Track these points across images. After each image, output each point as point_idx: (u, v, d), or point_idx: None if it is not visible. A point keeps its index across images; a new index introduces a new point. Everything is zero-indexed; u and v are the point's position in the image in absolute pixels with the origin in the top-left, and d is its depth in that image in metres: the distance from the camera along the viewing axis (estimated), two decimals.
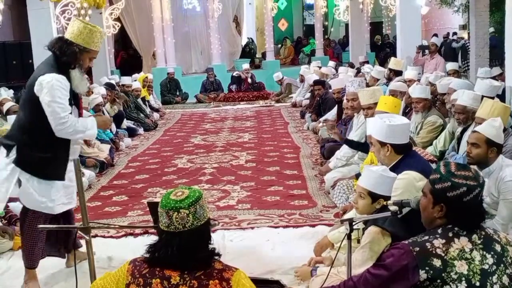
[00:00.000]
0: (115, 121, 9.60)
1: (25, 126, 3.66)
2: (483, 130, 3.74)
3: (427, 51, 11.08)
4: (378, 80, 9.48)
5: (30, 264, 3.71)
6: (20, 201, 3.68)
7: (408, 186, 3.06)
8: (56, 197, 3.62)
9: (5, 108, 7.58)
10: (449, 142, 5.50)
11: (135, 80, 12.29)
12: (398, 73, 9.16)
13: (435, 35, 15.47)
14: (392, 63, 9.30)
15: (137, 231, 4.84)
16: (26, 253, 3.69)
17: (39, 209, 3.60)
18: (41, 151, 3.59)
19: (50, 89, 3.51)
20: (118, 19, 15.94)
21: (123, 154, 8.60)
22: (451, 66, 9.46)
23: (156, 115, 12.26)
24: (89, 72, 15.41)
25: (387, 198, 3.07)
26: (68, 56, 3.66)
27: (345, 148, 6.01)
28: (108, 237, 4.83)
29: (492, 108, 4.36)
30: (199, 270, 2.12)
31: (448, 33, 17.10)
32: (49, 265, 4.18)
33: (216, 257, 2.20)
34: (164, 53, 16.61)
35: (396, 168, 3.44)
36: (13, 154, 3.57)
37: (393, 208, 2.70)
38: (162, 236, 2.15)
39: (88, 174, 6.66)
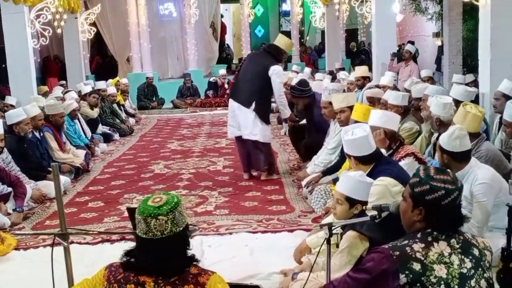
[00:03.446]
0: (90, 126, 9.54)
1: None
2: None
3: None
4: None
5: None
6: None
7: (383, 192, 3.09)
8: None
9: None
10: (425, 148, 5.57)
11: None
12: (367, 78, 9.42)
13: (410, 42, 15.68)
14: (359, 71, 9.50)
15: (114, 237, 4.79)
16: None
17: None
18: None
19: None
20: (93, 24, 15.84)
21: (98, 160, 8.51)
22: (425, 73, 9.60)
23: (132, 121, 12.18)
24: (64, 77, 15.33)
25: (365, 203, 3.10)
26: None
27: (322, 154, 6.05)
28: (84, 243, 4.76)
29: (465, 116, 4.42)
30: (174, 276, 2.10)
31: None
32: (24, 272, 4.13)
33: (194, 263, 2.18)
34: (140, 58, 16.54)
35: (370, 176, 3.47)
36: None
37: (372, 213, 2.73)
38: (140, 242, 2.13)
39: (64, 180, 6.55)
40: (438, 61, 15.20)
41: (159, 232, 2.07)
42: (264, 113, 6.63)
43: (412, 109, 6.57)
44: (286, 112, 6.93)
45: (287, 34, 22.21)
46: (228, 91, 6.91)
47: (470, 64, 11.79)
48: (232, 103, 6.72)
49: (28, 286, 3.89)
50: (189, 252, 2.18)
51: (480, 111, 4.51)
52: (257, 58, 6.80)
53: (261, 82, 6.43)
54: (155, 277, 2.09)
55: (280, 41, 6.74)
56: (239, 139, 6.74)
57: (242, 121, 6.56)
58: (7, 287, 3.94)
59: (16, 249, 4.67)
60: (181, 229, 2.12)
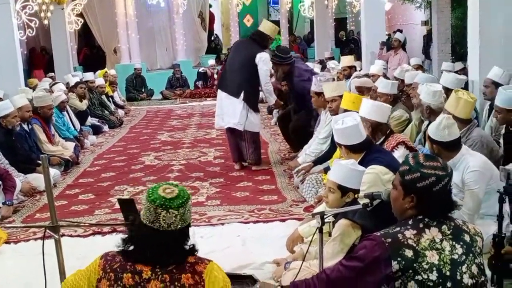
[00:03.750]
0: (79, 118, 9.47)
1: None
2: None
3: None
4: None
5: None
6: None
7: (375, 180, 3.10)
8: None
9: None
10: (415, 135, 5.58)
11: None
12: (353, 67, 9.46)
13: (399, 30, 15.68)
14: (344, 61, 9.54)
15: (105, 229, 4.78)
16: None
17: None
18: None
19: None
20: (80, 15, 15.68)
21: (88, 152, 8.47)
22: (414, 61, 9.62)
23: (121, 112, 12.12)
24: (51, 68, 15.19)
25: (357, 191, 3.11)
26: None
27: (314, 144, 6.06)
28: (75, 236, 4.74)
29: (457, 102, 4.44)
30: (172, 265, 2.10)
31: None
32: (15, 266, 4.11)
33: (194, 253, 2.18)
34: (129, 49, 16.43)
35: (361, 165, 3.48)
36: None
37: (363, 201, 2.73)
38: (143, 230, 2.09)
39: (53, 172, 6.51)
40: (425, 49, 15.23)
41: (166, 224, 2.06)
42: (253, 101, 6.64)
43: (404, 96, 6.59)
44: (272, 99, 6.92)
45: (276, 23, 22.17)
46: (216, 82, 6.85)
47: (459, 52, 11.83)
48: (220, 93, 6.71)
49: (20, 279, 3.86)
50: (188, 245, 2.17)
51: (471, 97, 4.52)
52: (243, 46, 6.77)
53: (248, 70, 6.43)
54: (152, 266, 2.09)
55: (264, 27, 6.70)
56: (229, 129, 6.72)
57: (230, 111, 6.55)
58: None
59: (6, 242, 4.64)
60: (186, 225, 2.12)
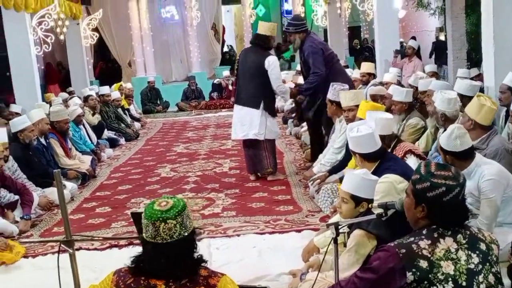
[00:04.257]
0: (95, 131, 9.56)
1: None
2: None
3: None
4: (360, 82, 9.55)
5: None
6: None
7: (388, 189, 3.08)
8: None
9: None
10: (431, 143, 5.54)
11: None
12: (373, 75, 9.33)
13: (413, 37, 15.62)
14: (364, 67, 9.44)
15: (122, 242, 4.79)
16: None
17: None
18: None
19: None
20: (96, 30, 15.87)
21: (105, 165, 8.53)
22: (429, 68, 9.56)
23: (137, 125, 12.20)
24: (67, 83, 15.37)
25: (370, 201, 3.09)
26: None
27: (329, 153, 6.03)
28: (92, 249, 4.77)
29: (480, 108, 4.34)
30: (185, 278, 2.10)
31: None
32: (33, 280, 4.15)
33: (203, 264, 2.18)
34: (144, 62, 16.58)
35: (376, 174, 3.45)
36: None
37: (378, 210, 2.71)
38: (148, 247, 2.12)
39: (70, 186, 6.58)
40: (435, 55, 15.15)
41: (168, 236, 2.07)
42: (272, 107, 6.70)
43: (418, 103, 6.55)
44: (287, 97, 6.96)
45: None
46: (232, 93, 6.83)
47: (474, 58, 11.74)
48: (237, 108, 6.71)
49: None
50: (197, 254, 2.18)
51: (493, 103, 4.45)
52: (249, 55, 6.68)
53: (261, 78, 6.42)
54: (166, 280, 2.10)
55: (261, 28, 6.64)
56: (245, 141, 6.73)
57: (248, 122, 6.54)
58: None
59: (25, 256, 4.68)
60: (189, 232, 2.12)
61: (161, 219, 2.07)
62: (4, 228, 5.04)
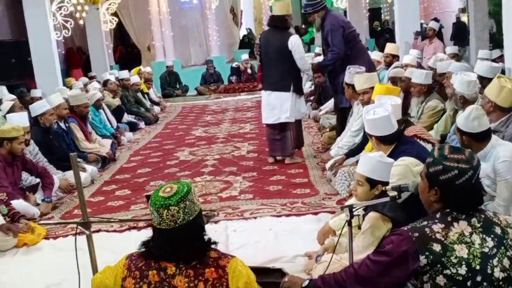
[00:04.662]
0: (115, 115, 9.64)
1: None
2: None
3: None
4: (380, 63, 9.45)
5: None
6: None
7: (404, 172, 3.06)
8: None
9: (6, 107, 7.55)
10: (450, 125, 5.48)
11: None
12: (397, 57, 9.16)
13: (435, 19, 15.37)
14: (388, 48, 9.27)
15: (141, 224, 4.85)
16: None
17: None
18: None
19: None
20: (115, 14, 15.93)
21: (124, 149, 8.62)
22: (450, 49, 9.42)
23: (156, 109, 12.27)
24: (89, 68, 15.50)
25: (385, 183, 3.08)
26: None
27: (346, 136, 6.01)
28: (112, 231, 4.84)
29: (500, 90, 4.25)
30: (194, 260, 2.12)
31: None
32: (54, 261, 4.24)
33: (213, 246, 2.20)
34: (163, 46, 16.60)
35: (391, 157, 3.43)
36: None
37: (392, 193, 2.70)
38: (155, 233, 2.15)
39: (91, 169, 6.68)
40: (454, 36, 14.89)
41: (172, 222, 2.09)
42: (300, 86, 6.72)
43: (437, 86, 6.47)
44: (310, 73, 7.04)
45: None
46: (258, 79, 6.80)
47: (497, 39, 11.51)
48: (266, 93, 6.68)
49: (58, 274, 3.96)
50: (206, 237, 2.20)
51: None
52: (270, 39, 6.58)
53: (286, 60, 6.39)
54: (176, 262, 2.13)
55: (276, 9, 6.66)
56: (270, 125, 6.72)
57: (279, 106, 6.52)
58: (37, 276, 4.03)
59: (46, 238, 4.79)
60: (193, 216, 2.13)
61: (163, 206, 2.09)
62: (26, 210, 5.14)
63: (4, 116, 7.05)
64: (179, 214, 2.09)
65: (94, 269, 2.67)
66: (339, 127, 6.88)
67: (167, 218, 2.09)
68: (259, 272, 2.43)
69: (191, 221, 2.12)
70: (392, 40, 12.79)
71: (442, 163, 2.19)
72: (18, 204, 5.08)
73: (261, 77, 6.74)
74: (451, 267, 2.11)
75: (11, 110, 7.28)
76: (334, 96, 7.33)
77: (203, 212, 2.28)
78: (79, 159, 6.40)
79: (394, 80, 7.02)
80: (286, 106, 6.47)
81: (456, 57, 8.94)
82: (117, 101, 10.09)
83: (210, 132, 9.49)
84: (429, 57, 9.38)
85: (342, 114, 6.81)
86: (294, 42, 6.38)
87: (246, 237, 4.45)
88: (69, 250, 4.31)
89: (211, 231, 2.24)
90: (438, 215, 2.22)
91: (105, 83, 10.35)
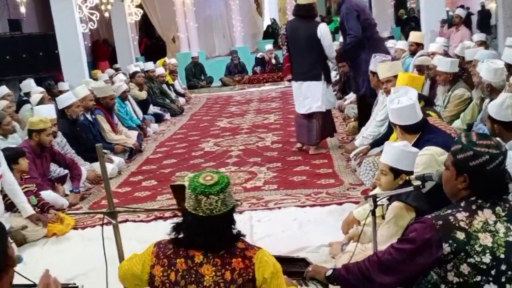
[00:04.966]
0: (141, 107, 9.74)
1: None
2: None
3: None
4: (405, 51, 9.34)
5: None
6: None
7: (429, 161, 3.04)
8: None
9: (36, 99, 7.68)
10: (477, 114, 5.40)
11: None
12: (421, 45, 9.04)
13: (461, 6, 15.12)
14: (412, 36, 9.15)
15: (167, 214, 4.90)
16: None
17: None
18: None
19: None
20: (140, 6, 16.04)
21: (150, 140, 8.71)
22: (478, 37, 9.24)
23: (182, 100, 12.34)
24: (115, 60, 15.66)
25: (410, 173, 3.06)
26: None
27: (371, 126, 5.98)
28: (138, 221, 4.92)
29: None
30: (222, 250, 2.15)
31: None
32: (82, 250, 4.32)
33: (241, 237, 2.23)
34: (187, 37, 16.66)
35: (416, 146, 3.40)
36: None
37: (416, 182, 2.69)
38: (188, 217, 2.17)
39: (118, 160, 6.77)
40: (481, 25, 14.62)
41: (208, 210, 2.11)
42: (329, 75, 6.78)
43: (464, 74, 6.38)
44: (335, 60, 7.01)
45: None
46: (287, 70, 6.77)
47: None
48: (296, 84, 6.70)
49: (86, 263, 4.03)
50: (235, 230, 2.22)
51: None
52: (297, 29, 6.54)
53: (315, 49, 6.42)
54: (204, 251, 2.16)
55: None
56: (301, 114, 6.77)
57: (311, 96, 6.56)
58: (67, 265, 4.11)
59: (74, 228, 4.89)
60: (229, 209, 2.15)
61: (204, 193, 2.11)
62: (55, 201, 5.24)
63: (32, 109, 7.19)
64: (217, 204, 2.11)
65: (121, 259, 2.72)
66: (360, 116, 6.92)
67: (205, 206, 2.11)
68: (283, 261, 2.44)
69: (226, 212, 2.14)
70: (418, 28, 12.64)
71: (472, 149, 2.17)
72: (47, 195, 5.19)
73: (289, 68, 6.70)
74: (475, 256, 2.10)
75: (41, 102, 7.40)
76: (353, 84, 7.31)
77: None
78: (106, 150, 6.51)
79: (420, 68, 6.94)
80: (317, 95, 6.52)
81: (484, 44, 8.77)
82: (144, 94, 10.17)
83: (235, 123, 9.52)
84: (455, 45, 9.22)
85: (363, 102, 6.82)
86: (323, 30, 6.41)
87: (270, 227, 4.47)
88: (97, 240, 4.35)
89: (236, 221, 2.25)
90: (462, 204, 2.21)
91: (132, 75, 10.43)
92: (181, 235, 2.20)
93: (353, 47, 6.46)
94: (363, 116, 6.74)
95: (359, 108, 7.13)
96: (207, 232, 2.13)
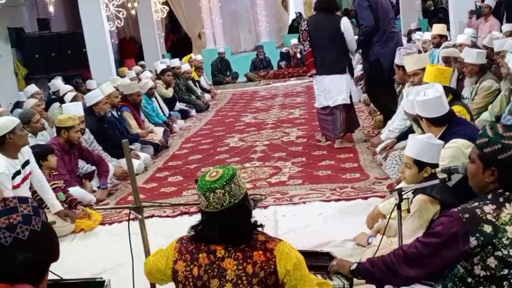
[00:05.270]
0: (167, 103, 9.82)
1: None
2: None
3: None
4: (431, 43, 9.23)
5: None
6: None
7: (456, 154, 2.99)
8: None
9: (69, 97, 7.77)
10: (505, 106, 5.30)
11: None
12: (445, 37, 8.94)
13: None
14: (435, 29, 9.03)
15: (192, 209, 4.93)
16: None
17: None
18: None
19: None
20: (166, 3, 16.13)
21: (176, 136, 8.78)
22: (507, 27, 9.03)
23: (207, 96, 12.40)
24: (141, 57, 15.80)
25: (434, 166, 3.01)
26: None
27: (397, 120, 5.91)
28: (164, 216, 4.97)
29: None
30: (243, 243, 2.16)
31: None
32: (109, 246, 4.39)
33: (259, 229, 2.23)
34: (213, 33, 16.71)
35: (443, 139, 3.35)
36: None
37: (441, 175, 2.65)
38: (203, 216, 2.20)
39: (144, 156, 6.84)
40: (509, 14, 14.25)
41: (218, 205, 2.12)
42: (352, 68, 6.82)
43: (493, 65, 6.27)
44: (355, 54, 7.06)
45: None
46: (311, 64, 6.74)
47: None
48: (320, 78, 6.68)
49: (113, 258, 4.09)
50: (252, 220, 2.23)
51: None
52: (320, 23, 6.58)
53: (339, 43, 6.46)
54: (225, 245, 2.17)
55: None
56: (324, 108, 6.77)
57: (335, 89, 6.57)
58: (95, 260, 4.18)
59: (101, 224, 4.96)
60: (239, 199, 2.16)
61: (210, 189, 2.12)
62: (83, 197, 5.32)
63: (60, 107, 7.30)
64: (225, 197, 2.12)
65: (147, 253, 2.75)
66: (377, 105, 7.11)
67: (214, 201, 2.13)
68: (307, 255, 2.43)
69: (237, 203, 2.14)
70: (446, 19, 12.45)
71: (500, 142, 2.13)
72: (75, 191, 5.28)
73: (312, 63, 6.66)
74: (502, 249, 2.06)
75: (74, 100, 7.51)
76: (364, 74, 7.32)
77: (251, 196, 2.31)
78: (133, 146, 6.60)
79: (447, 60, 6.83)
80: (342, 88, 6.53)
81: None
82: (170, 92, 10.23)
83: (260, 118, 9.52)
84: (484, 36, 9.06)
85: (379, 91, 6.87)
86: (346, 24, 6.44)
87: (295, 222, 4.47)
88: (123, 235, 4.40)
89: (260, 216, 2.27)
90: (489, 196, 2.17)
91: (161, 73, 10.50)
92: (199, 234, 2.22)
93: (366, 38, 6.52)
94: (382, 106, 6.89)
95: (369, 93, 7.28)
96: (223, 227, 2.15)
